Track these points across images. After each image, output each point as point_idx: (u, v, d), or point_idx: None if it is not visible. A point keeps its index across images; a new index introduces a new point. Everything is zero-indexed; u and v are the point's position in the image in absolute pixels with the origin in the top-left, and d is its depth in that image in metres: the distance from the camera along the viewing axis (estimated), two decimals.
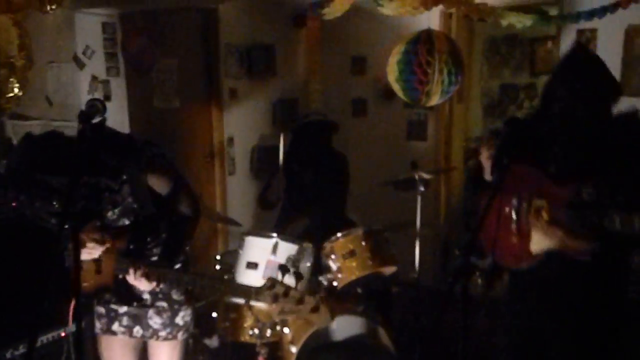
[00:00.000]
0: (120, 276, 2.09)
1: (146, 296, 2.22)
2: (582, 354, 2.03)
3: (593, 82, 1.96)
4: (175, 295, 2.26)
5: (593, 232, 1.83)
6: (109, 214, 2.11)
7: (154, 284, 2.06)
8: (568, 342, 2.04)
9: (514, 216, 1.99)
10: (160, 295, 2.24)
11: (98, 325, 2.29)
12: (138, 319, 2.25)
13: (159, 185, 2.13)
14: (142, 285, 2.06)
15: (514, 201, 2.00)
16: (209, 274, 2.14)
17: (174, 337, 2.29)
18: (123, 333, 2.27)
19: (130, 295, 2.19)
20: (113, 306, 2.26)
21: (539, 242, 1.95)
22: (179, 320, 2.29)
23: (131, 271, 2.03)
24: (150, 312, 2.25)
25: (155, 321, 2.25)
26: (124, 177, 2.06)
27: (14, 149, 2.17)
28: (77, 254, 1.47)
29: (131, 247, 2.10)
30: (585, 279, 1.96)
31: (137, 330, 2.26)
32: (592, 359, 2.04)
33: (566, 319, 2.03)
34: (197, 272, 2.13)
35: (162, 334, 2.27)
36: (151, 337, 2.28)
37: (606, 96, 1.98)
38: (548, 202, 1.95)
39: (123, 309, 2.25)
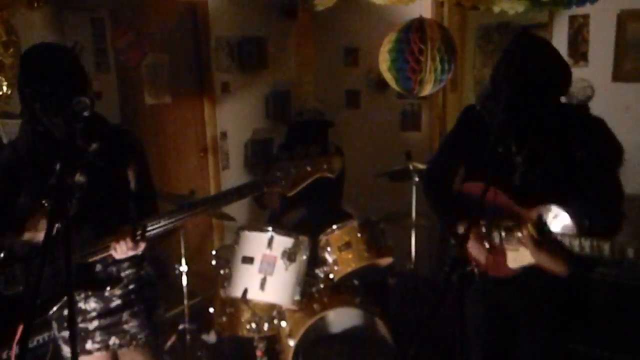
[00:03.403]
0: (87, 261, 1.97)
1: (117, 301, 2.12)
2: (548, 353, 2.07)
3: (537, 66, 1.88)
4: (147, 293, 2.18)
5: (566, 256, 1.82)
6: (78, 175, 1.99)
7: (142, 243, 1.93)
8: (535, 343, 2.07)
9: (484, 234, 1.97)
10: (132, 297, 2.14)
11: (66, 349, 2.14)
12: (113, 328, 2.11)
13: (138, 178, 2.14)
14: (130, 249, 1.92)
15: (483, 221, 1.97)
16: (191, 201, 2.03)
17: (155, 339, 2.19)
18: (99, 349, 2.13)
19: (100, 280, 2.06)
20: (82, 325, 2.10)
21: (515, 259, 1.96)
22: (155, 319, 2.20)
23: (118, 244, 1.91)
24: (125, 315, 2.12)
25: (131, 325, 2.13)
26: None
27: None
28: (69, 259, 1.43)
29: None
30: (560, 289, 1.99)
31: (114, 342, 2.12)
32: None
33: (537, 320, 2.07)
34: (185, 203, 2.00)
35: (141, 336, 2.14)
36: (129, 344, 2.13)
37: (551, 81, 1.90)
38: (517, 223, 1.94)
39: (94, 324, 2.11)
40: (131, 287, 2.15)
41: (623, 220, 1.94)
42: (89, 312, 2.12)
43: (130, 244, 1.93)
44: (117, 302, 2.12)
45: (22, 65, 1.95)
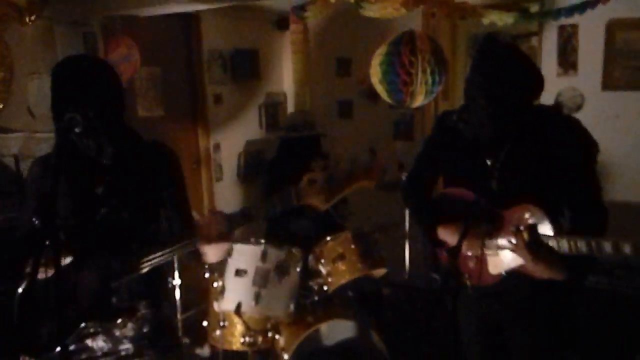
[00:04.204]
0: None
1: (127, 344, 1.91)
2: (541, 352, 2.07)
3: (508, 74, 1.87)
4: (162, 339, 1.97)
5: (561, 261, 1.80)
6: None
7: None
8: (528, 344, 2.07)
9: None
10: (145, 342, 1.92)
11: None
12: None
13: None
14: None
15: (461, 227, 1.92)
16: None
17: None
18: None
19: (112, 309, 1.85)
20: None
21: (496, 265, 1.96)
22: None
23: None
24: None
25: None
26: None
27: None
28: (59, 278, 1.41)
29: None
30: (545, 290, 1.96)
31: None
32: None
33: (527, 322, 2.06)
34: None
35: None
36: None
37: (523, 88, 1.90)
38: (494, 226, 1.94)
39: None
40: (145, 329, 1.92)
41: (607, 215, 1.96)
42: (96, 351, 1.90)
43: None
44: (127, 345, 1.90)
45: (53, 78, 1.84)
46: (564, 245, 1.75)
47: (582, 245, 1.72)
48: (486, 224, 1.96)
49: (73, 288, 1.79)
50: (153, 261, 1.80)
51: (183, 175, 2.03)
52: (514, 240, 1.86)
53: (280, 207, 1.73)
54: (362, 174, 1.68)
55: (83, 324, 1.81)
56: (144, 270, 1.81)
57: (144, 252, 1.81)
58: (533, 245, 1.81)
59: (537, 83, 1.94)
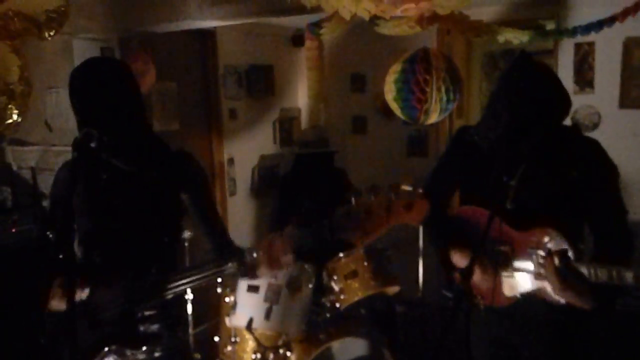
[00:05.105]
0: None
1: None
2: None
3: (539, 94, 1.83)
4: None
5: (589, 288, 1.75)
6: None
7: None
8: None
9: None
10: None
11: None
12: None
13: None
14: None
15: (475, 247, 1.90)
16: None
17: None
18: None
19: (140, 336, 1.80)
20: None
21: (511, 287, 1.92)
22: None
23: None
24: None
25: None
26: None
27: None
28: (72, 292, 1.41)
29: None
30: (560, 312, 1.92)
31: None
32: None
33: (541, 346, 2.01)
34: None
35: None
36: None
37: (553, 109, 1.86)
38: (512, 248, 1.91)
39: None
40: (157, 354, 1.86)
41: (633, 240, 1.91)
42: None
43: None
44: None
45: (70, 81, 1.83)
46: (592, 272, 1.71)
47: (603, 274, 1.68)
48: (497, 256, 1.93)
49: (94, 310, 1.76)
50: (190, 284, 1.75)
51: (211, 187, 2.01)
52: (541, 265, 1.82)
53: (312, 240, 1.71)
54: (403, 210, 1.51)
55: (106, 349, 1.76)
56: (170, 295, 1.76)
57: (169, 277, 1.76)
58: (563, 271, 1.74)
59: (566, 105, 1.91)
